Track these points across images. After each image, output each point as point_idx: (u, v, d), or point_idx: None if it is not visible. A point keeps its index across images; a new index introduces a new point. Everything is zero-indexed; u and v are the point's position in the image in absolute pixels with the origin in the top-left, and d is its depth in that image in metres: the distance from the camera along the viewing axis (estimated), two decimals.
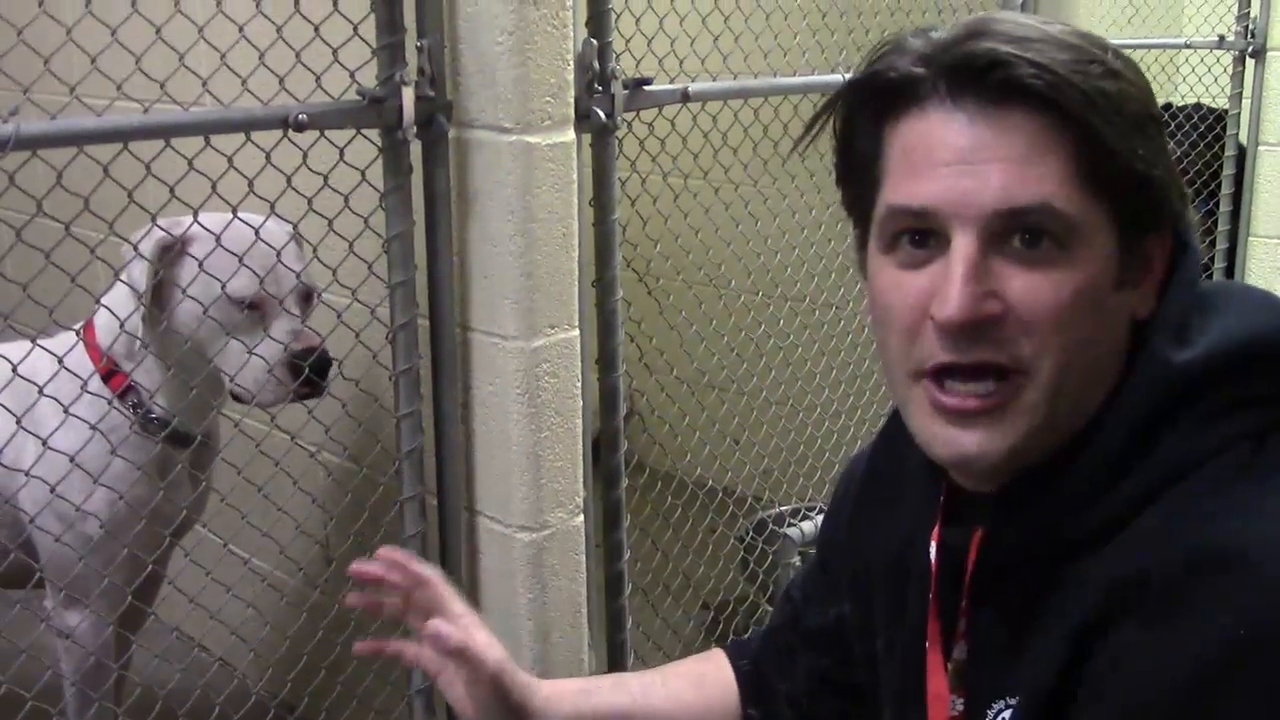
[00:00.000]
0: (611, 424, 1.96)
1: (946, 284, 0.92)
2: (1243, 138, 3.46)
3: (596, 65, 1.76)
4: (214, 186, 1.62)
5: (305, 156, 1.64)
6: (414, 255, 1.69)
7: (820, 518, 2.60)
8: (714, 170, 2.36)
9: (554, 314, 1.72)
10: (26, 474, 1.80)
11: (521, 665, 1.75)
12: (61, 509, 1.86)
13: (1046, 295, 0.91)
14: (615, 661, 2.00)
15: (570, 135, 1.71)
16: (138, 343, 1.90)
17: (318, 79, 1.63)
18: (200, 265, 1.78)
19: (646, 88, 1.87)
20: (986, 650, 1.01)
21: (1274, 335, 0.95)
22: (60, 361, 1.72)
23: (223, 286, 1.78)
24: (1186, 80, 3.63)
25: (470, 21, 1.65)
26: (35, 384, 1.67)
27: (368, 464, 2.00)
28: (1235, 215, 3.50)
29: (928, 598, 1.07)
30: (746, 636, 1.41)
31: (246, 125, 1.55)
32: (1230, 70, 3.45)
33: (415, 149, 1.66)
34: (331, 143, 1.65)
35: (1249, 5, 3.39)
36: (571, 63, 1.70)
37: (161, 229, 1.81)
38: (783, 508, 2.76)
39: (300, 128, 1.54)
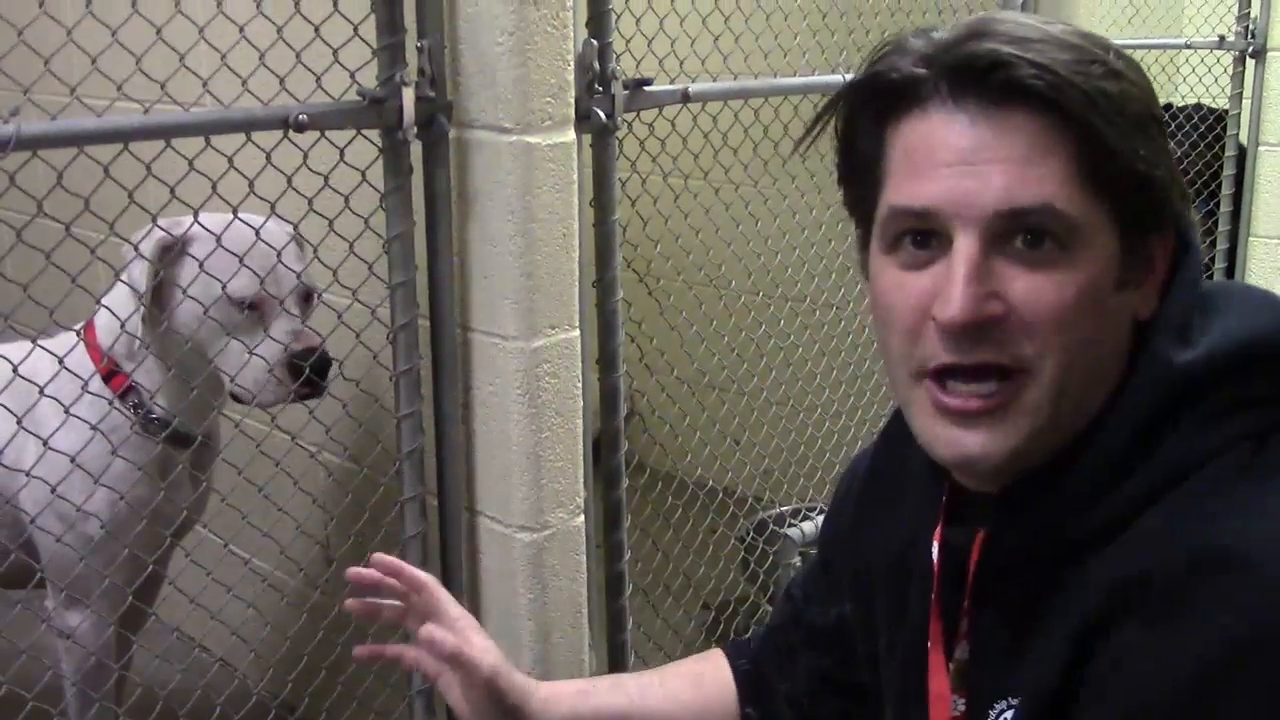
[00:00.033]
0: (612, 424, 1.96)
1: (948, 285, 0.92)
2: (1243, 138, 3.46)
3: (597, 66, 1.76)
4: (214, 187, 1.62)
5: (305, 157, 1.64)
6: (414, 256, 1.69)
7: (821, 518, 2.60)
8: (714, 171, 2.36)
9: (554, 314, 1.72)
10: (27, 474, 1.80)
11: (522, 666, 1.75)
12: (62, 509, 1.86)
13: (1049, 296, 0.91)
14: (616, 662, 2.00)
15: (570, 136, 1.71)
16: (138, 343, 1.90)
17: (318, 79, 1.63)
18: (201, 266, 1.78)
19: (647, 88, 1.87)
20: (989, 650, 1.01)
21: (1275, 336, 0.95)
22: (61, 362, 1.72)
23: (223, 287, 1.78)
24: (1187, 80, 3.63)
25: (470, 22, 1.65)
26: (36, 384, 1.67)
27: (368, 464, 2.00)
28: (1235, 215, 3.50)
29: (930, 598, 1.07)
30: (746, 636, 1.41)
31: (247, 126, 1.55)
32: (1230, 70, 3.45)
33: (416, 149, 1.66)
34: (332, 143, 1.65)
35: (1249, 5, 3.39)
36: (572, 63, 1.70)
37: (162, 229, 1.82)
38: (783, 508, 2.76)
39: (301, 128, 1.54)
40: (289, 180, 1.66)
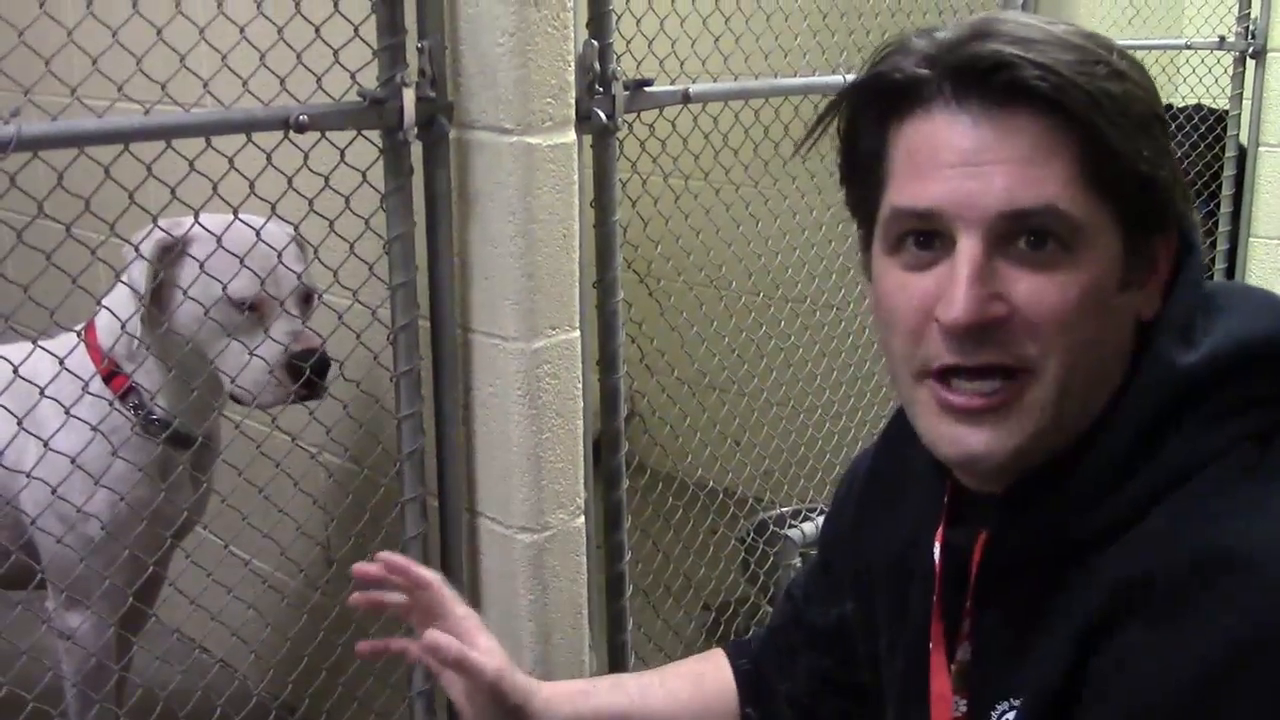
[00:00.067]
0: (612, 425, 1.96)
1: (952, 286, 0.92)
2: (1243, 138, 3.47)
3: (597, 66, 1.76)
4: (215, 188, 1.62)
5: (306, 158, 1.64)
6: (415, 256, 1.69)
7: (821, 519, 2.61)
8: (714, 171, 2.36)
9: (555, 315, 1.72)
10: (28, 475, 1.80)
11: (522, 667, 1.75)
12: (63, 510, 1.86)
13: (1052, 297, 0.91)
14: (616, 663, 2.00)
15: (571, 136, 1.71)
16: (137, 344, 1.90)
17: (318, 80, 1.63)
18: (201, 267, 1.78)
19: (647, 89, 1.87)
20: (991, 651, 1.01)
21: (1276, 336, 0.95)
22: (61, 363, 1.72)
23: (224, 288, 1.78)
24: (1187, 81, 3.63)
25: (471, 23, 1.65)
26: (36, 385, 1.67)
27: (369, 465, 2.00)
28: (1236, 216, 3.50)
29: (931, 599, 1.07)
30: (747, 636, 1.41)
31: (247, 126, 1.55)
32: (1230, 71, 3.45)
33: (416, 150, 1.66)
34: (332, 144, 1.65)
35: (1249, 6, 3.39)
36: (572, 64, 1.70)
37: (162, 230, 1.81)
38: (783, 509, 2.76)
39: (301, 129, 1.54)
40: (289, 181, 1.66)
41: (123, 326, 1.86)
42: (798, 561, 2.65)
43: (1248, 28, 3.39)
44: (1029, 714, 0.95)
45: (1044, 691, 0.94)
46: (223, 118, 1.55)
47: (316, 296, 1.96)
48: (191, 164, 1.57)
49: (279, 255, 1.81)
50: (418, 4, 1.62)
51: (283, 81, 1.62)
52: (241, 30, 1.60)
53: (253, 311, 1.87)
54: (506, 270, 1.69)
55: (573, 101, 1.71)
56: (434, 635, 1.19)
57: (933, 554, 1.07)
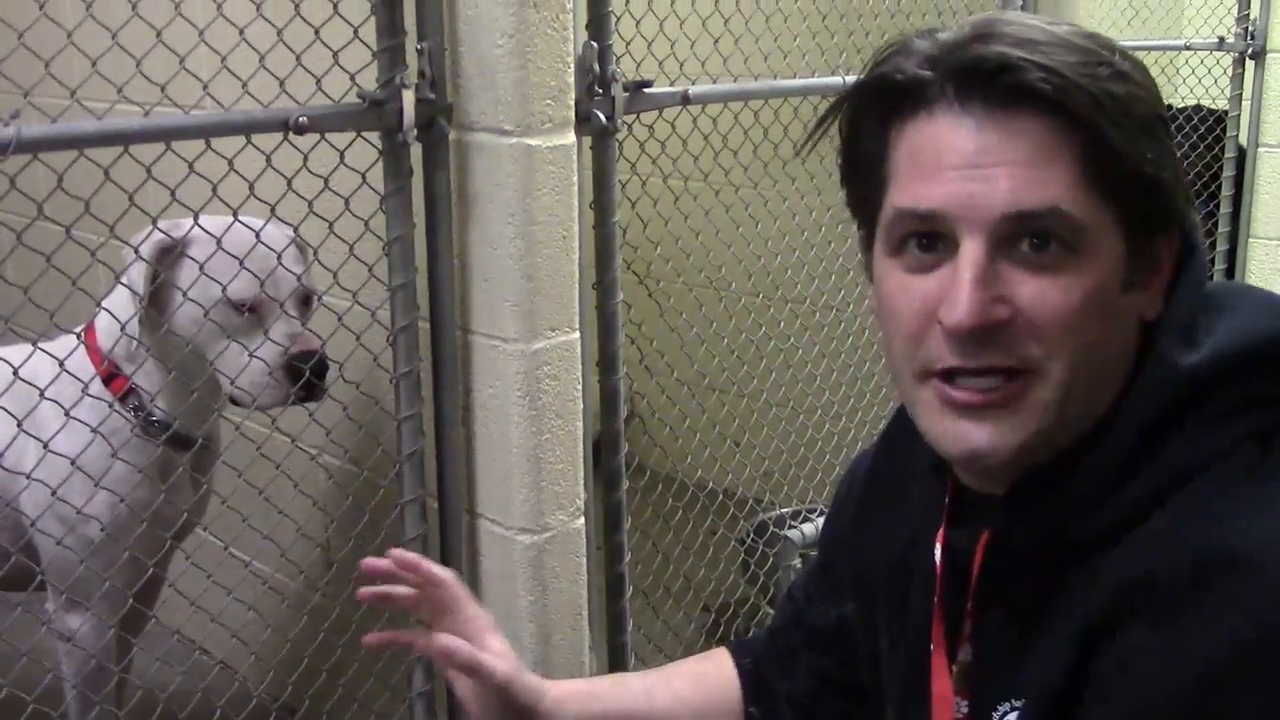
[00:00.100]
0: (612, 426, 1.96)
1: (955, 289, 0.91)
2: (1243, 139, 3.47)
3: (597, 68, 1.76)
4: (214, 189, 1.62)
5: (306, 159, 1.64)
6: (414, 258, 1.69)
7: (821, 520, 2.61)
8: (714, 172, 2.36)
9: (554, 316, 1.72)
10: (28, 477, 1.80)
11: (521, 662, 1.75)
12: (63, 512, 1.86)
13: (1055, 299, 0.91)
14: (616, 664, 2.00)
15: (570, 138, 1.71)
16: (134, 344, 1.90)
17: (318, 82, 1.63)
18: (201, 269, 1.78)
19: (647, 90, 1.87)
20: (992, 652, 1.01)
21: (1278, 335, 0.95)
22: (61, 364, 1.72)
23: (224, 290, 1.78)
24: (1186, 82, 3.63)
25: (470, 24, 1.65)
26: (36, 387, 1.67)
27: (369, 467, 2.00)
28: (1235, 217, 3.50)
29: (932, 600, 1.07)
30: (750, 635, 1.41)
31: (247, 128, 1.55)
32: (1230, 72, 3.45)
33: (416, 151, 1.66)
34: (332, 145, 1.65)
35: (1249, 7, 3.39)
36: (572, 65, 1.70)
37: (161, 231, 1.81)
38: (783, 510, 2.76)
39: (301, 130, 1.54)
40: (289, 182, 1.66)
41: (122, 328, 1.86)
42: (797, 563, 2.65)
43: (1247, 28, 3.39)
44: (1031, 715, 0.95)
45: (1046, 692, 0.94)
46: (222, 119, 1.55)
47: (316, 298, 1.96)
48: (191, 166, 1.57)
49: (279, 257, 1.81)
50: (417, 6, 1.62)
51: (282, 83, 1.62)
52: (241, 32, 1.60)
53: (252, 313, 1.87)
54: (506, 272, 1.69)
55: (572, 103, 1.71)
56: (446, 640, 1.18)
57: (934, 555, 1.07)
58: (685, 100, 1.96)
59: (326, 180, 1.69)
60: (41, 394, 1.68)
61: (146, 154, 1.52)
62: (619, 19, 1.84)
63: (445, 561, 1.80)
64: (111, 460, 1.86)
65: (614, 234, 1.88)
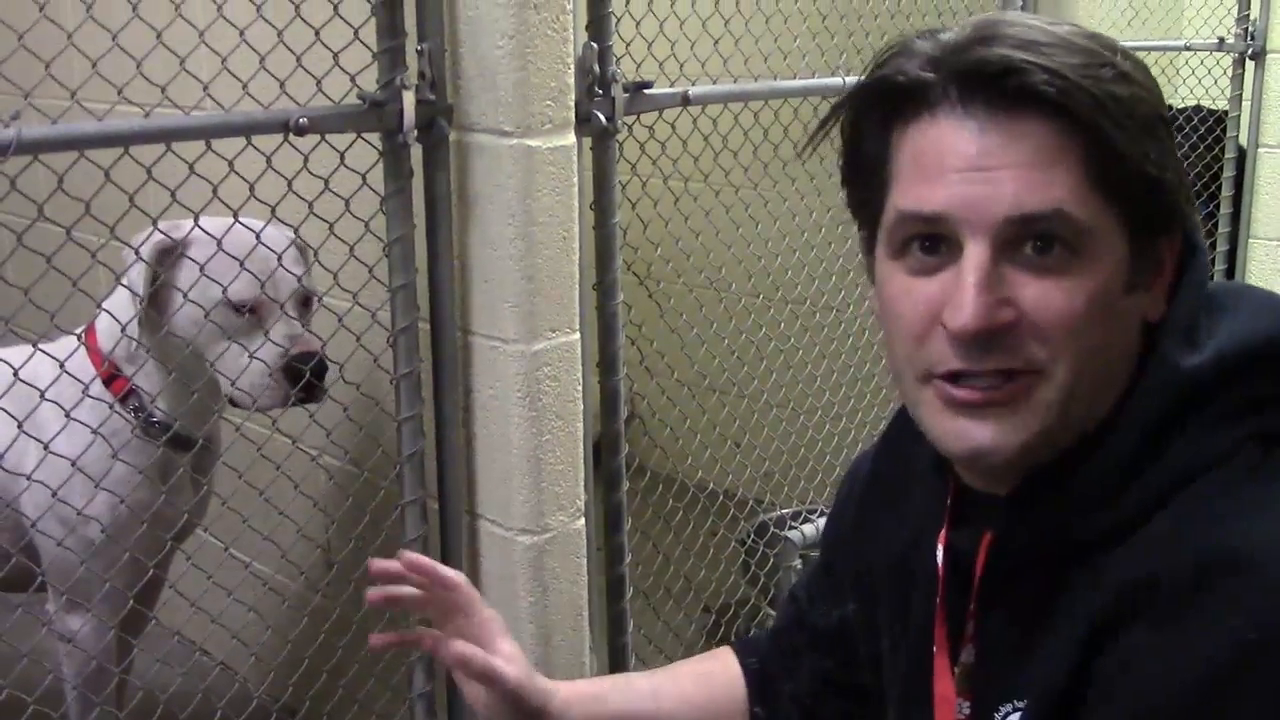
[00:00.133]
0: (612, 427, 1.96)
1: (959, 292, 0.91)
2: (1243, 140, 3.47)
3: (597, 69, 1.76)
4: (215, 190, 1.62)
5: (306, 160, 1.64)
6: (415, 259, 1.69)
7: (821, 520, 2.61)
8: (714, 173, 2.36)
9: (555, 317, 1.72)
10: (28, 478, 1.80)
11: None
12: (63, 513, 1.86)
13: (1059, 302, 0.91)
14: (617, 665, 2.00)
15: (571, 139, 1.71)
16: (134, 344, 1.90)
17: (318, 83, 1.63)
18: (201, 270, 1.78)
19: (647, 91, 1.87)
20: (994, 653, 1.01)
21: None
22: (62, 366, 1.72)
23: (224, 291, 1.78)
24: (1186, 82, 3.63)
25: (471, 25, 1.65)
26: (37, 388, 1.67)
27: (369, 468, 2.00)
28: (1235, 217, 3.50)
29: (934, 601, 1.07)
30: (753, 635, 1.40)
31: (247, 129, 1.55)
32: (1230, 72, 3.45)
33: (416, 153, 1.66)
34: (332, 146, 1.65)
35: (1249, 7, 3.39)
36: (572, 66, 1.70)
37: (161, 232, 1.82)
38: (783, 510, 2.76)
39: (301, 131, 1.54)
40: (289, 184, 1.66)
41: (123, 329, 1.87)
42: (798, 563, 2.65)
43: (1247, 29, 3.39)
44: (1033, 715, 0.95)
45: (1048, 693, 0.94)
46: (223, 120, 1.55)
47: (316, 299, 1.96)
48: (191, 167, 1.57)
49: (279, 258, 1.81)
50: (417, 7, 1.62)
51: (282, 84, 1.62)
52: (241, 33, 1.60)
53: (252, 314, 1.87)
54: (506, 273, 1.69)
55: (572, 104, 1.71)
56: (460, 647, 1.18)
57: (935, 556, 1.07)
58: (685, 101, 1.96)
59: (327, 181, 1.69)
60: (42, 395, 1.68)
61: (147, 155, 1.52)
62: (619, 20, 1.84)
63: (445, 562, 1.80)
64: (112, 461, 1.86)
65: (614, 235, 1.89)
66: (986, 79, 0.91)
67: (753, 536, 2.71)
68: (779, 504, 2.82)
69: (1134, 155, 0.91)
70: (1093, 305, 0.92)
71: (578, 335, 1.76)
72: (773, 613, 2.45)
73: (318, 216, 1.72)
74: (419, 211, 1.69)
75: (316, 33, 1.63)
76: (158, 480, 1.95)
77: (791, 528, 2.71)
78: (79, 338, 1.93)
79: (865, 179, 1.00)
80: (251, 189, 1.61)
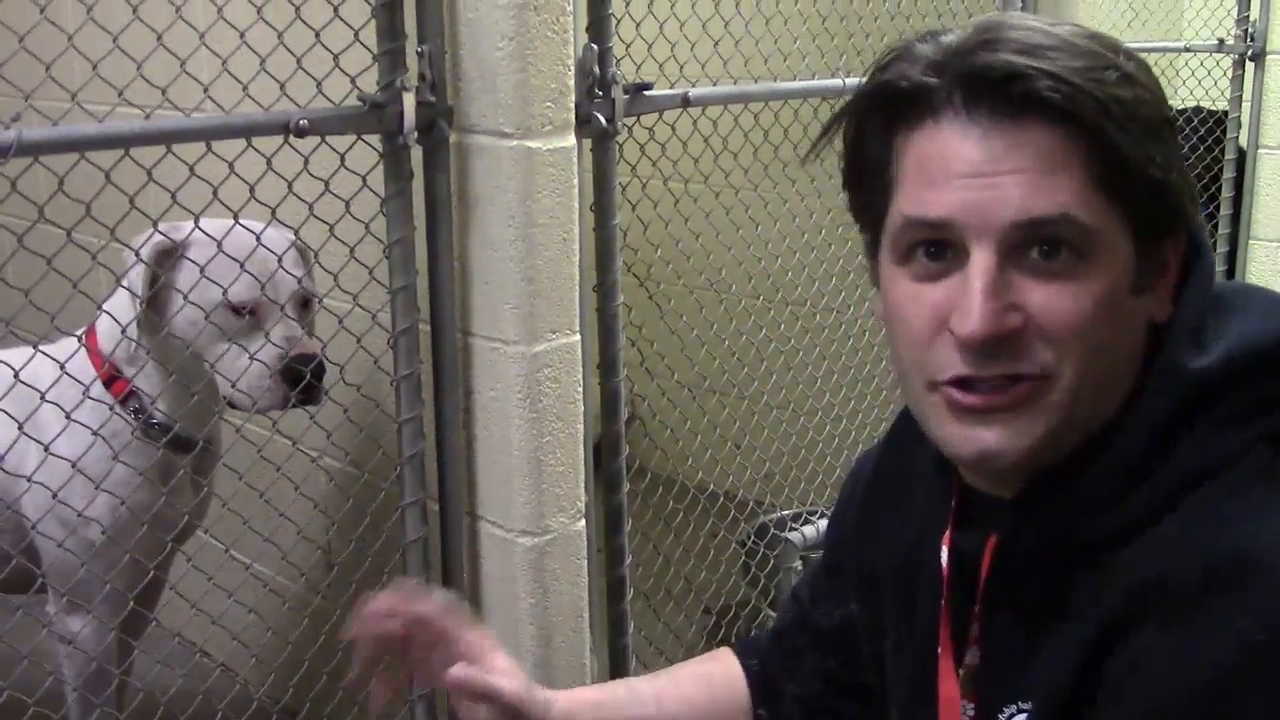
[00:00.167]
0: (613, 428, 1.96)
1: (966, 299, 0.91)
2: (1243, 141, 3.47)
3: (597, 70, 1.76)
4: (215, 192, 1.62)
5: (306, 162, 1.64)
6: (415, 260, 1.69)
7: (822, 522, 2.61)
8: (714, 175, 2.36)
9: (555, 319, 1.72)
10: (29, 479, 1.80)
11: (523, 670, 1.74)
12: (63, 514, 1.86)
13: (1066, 306, 0.91)
14: (617, 666, 2.00)
15: (571, 140, 1.71)
16: (134, 346, 1.90)
17: (319, 85, 1.63)
18: (201, 271, 1.78)
19: (647, 93, 1.87)
20: (1000, 655, 1.01)
21: None
22: (62, 367, 1.72)
23: (224, 292, 1.78)
24: (1186, 83, 3.63)
25: (471, 27, 1.65)
26: (37, 390, 1.67)
27: (369, 469, 2.00)
28: (1235, 218, 3.50)
29: (939, 603, 1.07)
30: (754, 636, 1.40)
31: (247, 131, 1.55)
32: (1230, 73, 3.45)
33: (416, 154, 1.66)
34: (332, 148, 1.65)
35: (1248, 8, 3.39)
36: (572, 68, 1.70)
37: (160, 234, 1.82)
38: (784, 512, 2.76)
39: (301, 133, 1.54)
40: (290, 185, 1.66)
41: (123, 331, 1.87)
42: (798, 565, 2.65)
43: (1247, 30, 3.39)
44: (1038, 717, 0.95)
45: (1053, 694, 0.94)
46: (223, 122, 1.55)
47: (316, 301, 1.96)
48: (192, 169, 1.57)
49: (279, 260, 1.81)
50: (417, 9, 1.63)
51: (283, 86, 1.62)
52: (241, 35, 1.60)
53: (251, 316, 1.87)
54: (507, 274, 1.69)
55: (572, 105, 1.71)
56: (456, 672, 1.17)
57: (940, 557, 1.07)
58: (685, 102, 1.96)
59: (327, 183, 1.69)
60: (42, 396, 1.68)
61: (147, 157, 1.52)
62: (619, 21, 1.84)
63: (446, 564, 1.80)
64: (112, 463, 1.86)
65: (614, 236, 1.89)
66: (990, 84, 0.91)
67: (753, 538, 2.71)
68: (779, 505, 2.82)
69: (1138, 158, 0.91)
70: (1100, 308, 0.91)
71: (578, 337, 1.76)
72: (773, 614, 2.45)
73: (318, 218, 1.73)
74: (419, 213, 1.69)
75: (317, 34, 1.63)
76: (158, 482, 1.95)
77: (792, 529, 2.71)
78: (79, 339, 1.93)
79: (868, 184, 1.00)
80: (252, 191, 1.61)
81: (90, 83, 1.47)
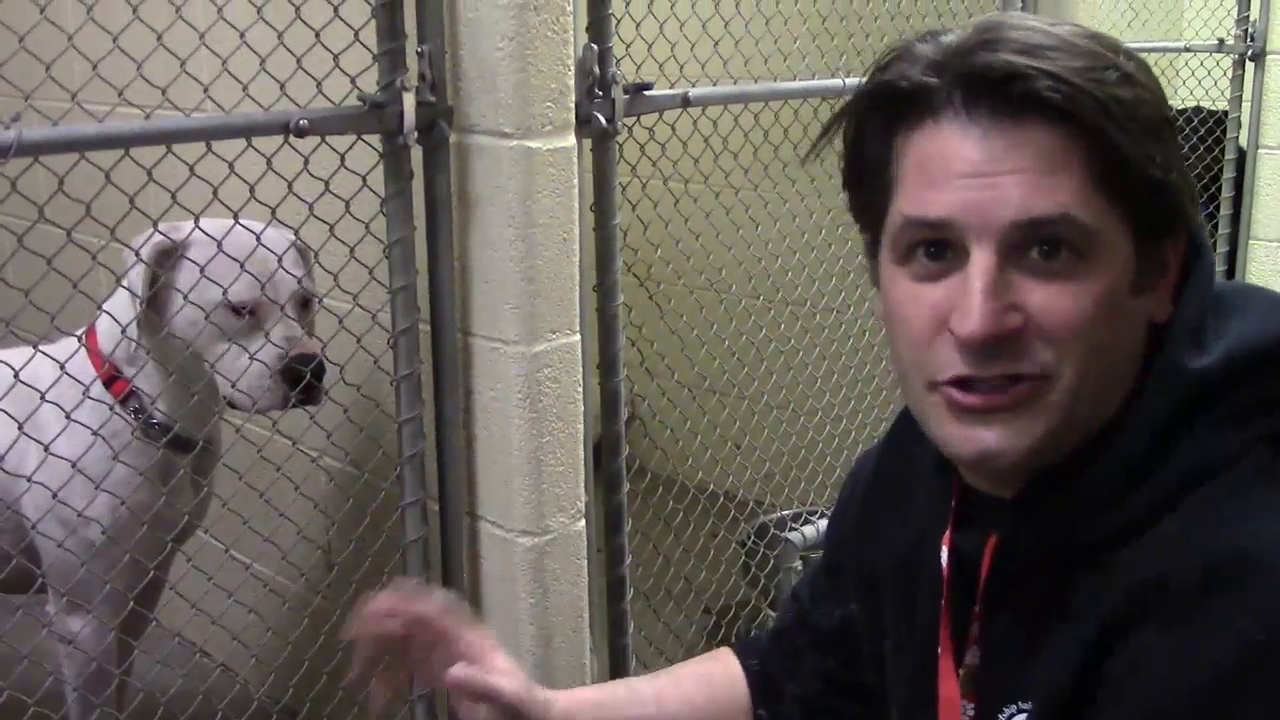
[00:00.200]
0: (613, 428, 1.96)
1: (967, 299, 0.91)
2: (1243, 141, 3.47)
3: (597, 70, 1.76)
4: (215, 192, 1.62)
5: (306, 162, 1.64)
6: (415, 260, 1.69)
7: (822, 522, 2.61)
8: (714, 175, 2.36)
9: (555, 319, 1.72)
10: (29, 479, 1.80)
11: (523, 670, 1.74)
12: (64, 514, 1.86)
13: (1067, 306, 0.91)
14: (617, 666, 2.00)
15: (571, 140, 1.71)
16: (134, 346, 1.90)
17: (319, 85, 1.64)
18: (201, 271, 1.78)
19: (647, 93, 1.87)
20: (1000, 655, 1.01)
21: None
22: (62, 367, 1.72)
23: (224, 292, 1.78)
24: (1186, 84, 3.63)
25: (471, 27, 1.65)
26: (37, 390, 1.67)
27: (369, 469, 2.00)
28: (1235, 218, 3.50)
29: (939, 603, 1.07)
30: (753, 636, 1.40)
31: (247, 131, 1.55)
32: (1230, 73, 3.45)
33: (416, 154, 1.66)
34: (332, 148, 1.65)
35: (1248, 8, 3.39)
36: (572, 68, 1.70)
37: (160, 233, 1.82)
38: (784, 512, 2.76)
39: (301, 133, 1.54)
40: (290, 185, 1.66)
41: (123, 331, 1.87)
42: (798, 565, 2.65)
43: (1247, 30, 3.39)
44: (1038, 718, 0.95)
45: (1053, 694, 0.94)
46: (223, 122, 1.55)
47: (316, 301, 1.96)
48: (192, 169, 1.57)
49: (279, 260, 1.81)
50: (417, 9, 1.63)
51: (283, 86, 1.62)
52: (241, 35, 1.60)
53: (251, 316, 1.87)
54: (507, 274, 1.69)
55: (572, 105, 1.71)
56: (457, 672, 1.17)
57: (940, 557, 1.07)
58: (685, 102, 1.96)
59: (327, 183, 1.69)
60: (42, 397, 1.68)
61: (147, 157, 1.52)
62: (619, 21, 1.84)
63: (446, 564, 1.80)
64: (112, 463, 1.86)
65: (614, 236, 1.89)
66: (990, 85, 0.91)
67: (753, 538, 2.71)
68: (779, 505, 2.82)
69: (1138, 158, 0.91)
70: (1100, 308, 0.92)
71: (578, 337, 1.76)
72: (773, 614, 2.45)
73: (318, 218, 1.73)
74: (419, 213, 1.69)
75: (317, 34, 1.63)
76: (158, 482, 1.95)
77: (792, 529, 2.71)
78: (79, 339, 1.93)
79: (868, 184, 1.00)
80: (252, 191, 1.61)
81: (90, 83, 1.47)
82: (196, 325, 1.85)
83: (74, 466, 1.76)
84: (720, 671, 1.33)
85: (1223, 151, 3.47)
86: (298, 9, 1.64)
